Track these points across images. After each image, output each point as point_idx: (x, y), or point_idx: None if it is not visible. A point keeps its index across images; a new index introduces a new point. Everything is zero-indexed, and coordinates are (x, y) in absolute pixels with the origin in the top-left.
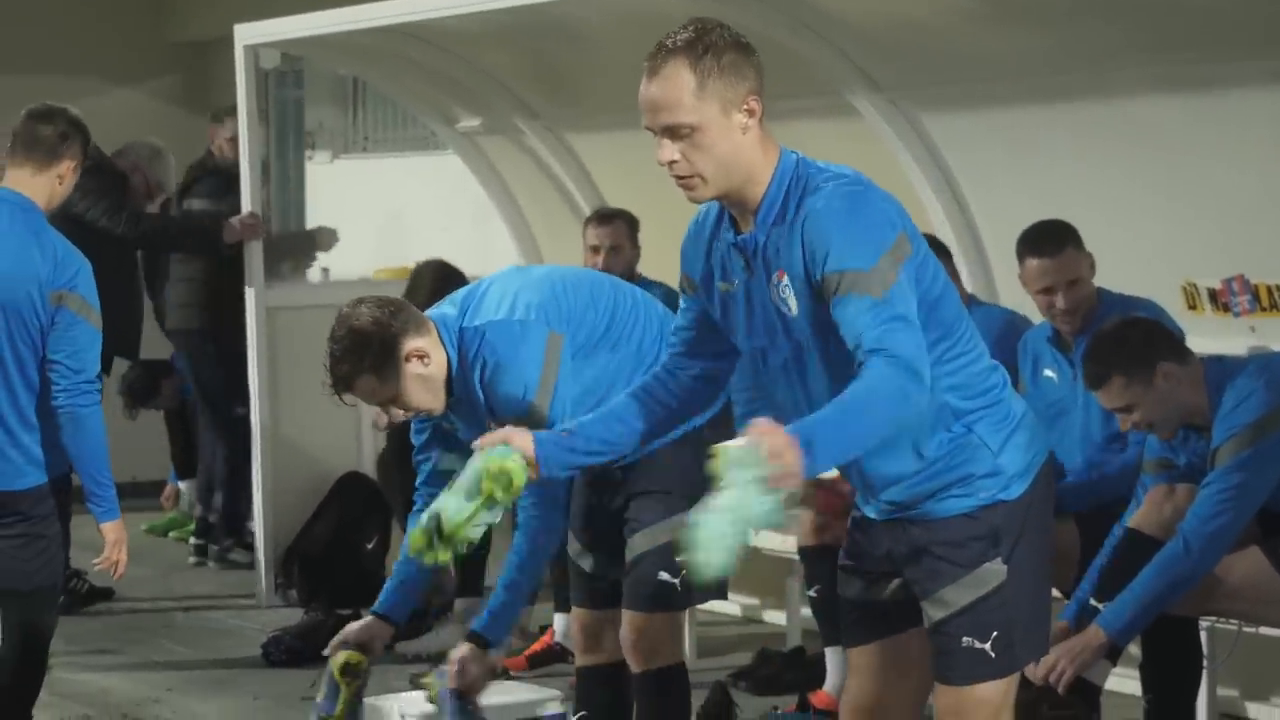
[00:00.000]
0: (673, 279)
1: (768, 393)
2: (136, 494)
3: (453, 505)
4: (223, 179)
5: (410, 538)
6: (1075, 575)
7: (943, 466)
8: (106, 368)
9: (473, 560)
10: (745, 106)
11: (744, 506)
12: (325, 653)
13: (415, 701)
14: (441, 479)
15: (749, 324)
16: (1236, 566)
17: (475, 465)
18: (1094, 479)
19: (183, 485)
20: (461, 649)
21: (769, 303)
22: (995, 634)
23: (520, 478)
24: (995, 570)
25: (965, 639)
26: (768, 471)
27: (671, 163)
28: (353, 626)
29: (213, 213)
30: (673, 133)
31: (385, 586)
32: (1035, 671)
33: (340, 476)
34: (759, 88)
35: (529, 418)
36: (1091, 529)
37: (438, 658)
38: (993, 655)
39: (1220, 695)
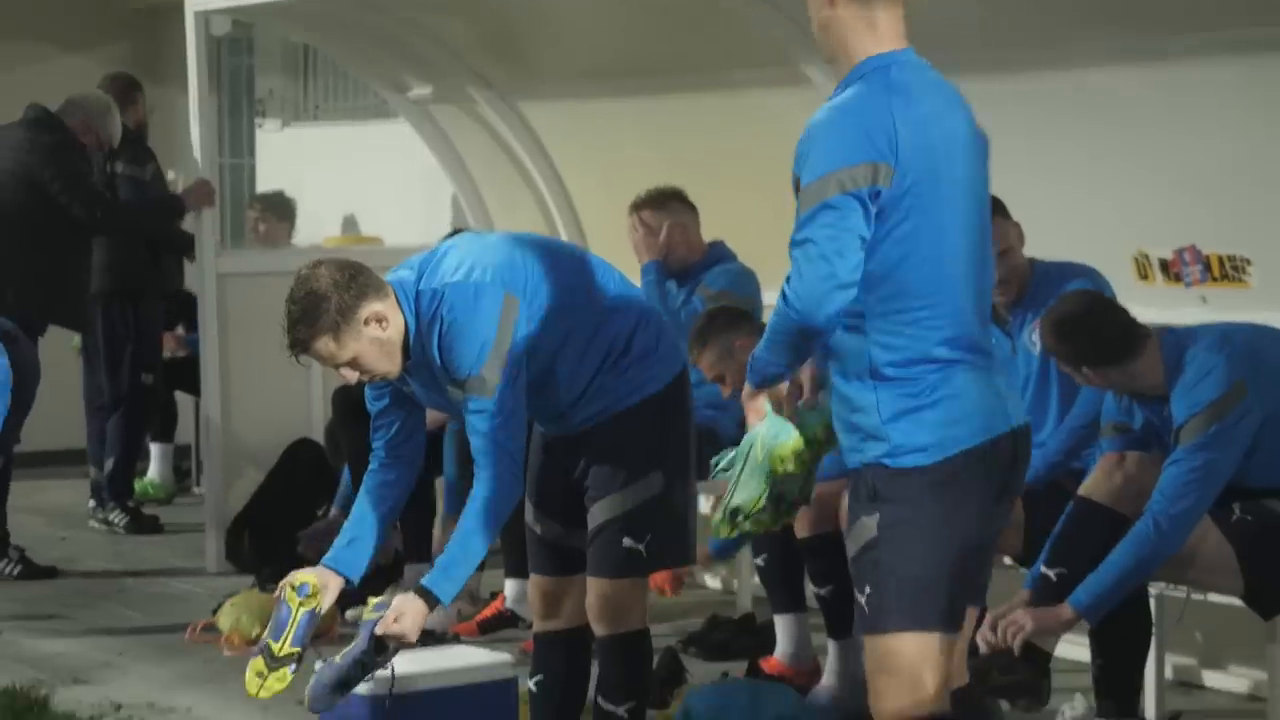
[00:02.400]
0: (623, 249)
1: None
2: (84, 461)
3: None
4: (140, 146)
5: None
6: (1021, 543)
7: (847, 407)
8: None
9: (420, 525)
10: None
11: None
12: (275, 594)
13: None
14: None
15: None
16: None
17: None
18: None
19: (155, 448)
20: (405, 597)
21: None
22: (868, 590)
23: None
24: (868, 526)
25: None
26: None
27: None
28: (304, 570)
29: (138, 180)
30: None
31: (334, 543)
32: (985, 633)
33: (291, 444)
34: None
35: (480, 381)
36: (1034, 498)
37: None
38: (866, 611)
39: (1176, 663)
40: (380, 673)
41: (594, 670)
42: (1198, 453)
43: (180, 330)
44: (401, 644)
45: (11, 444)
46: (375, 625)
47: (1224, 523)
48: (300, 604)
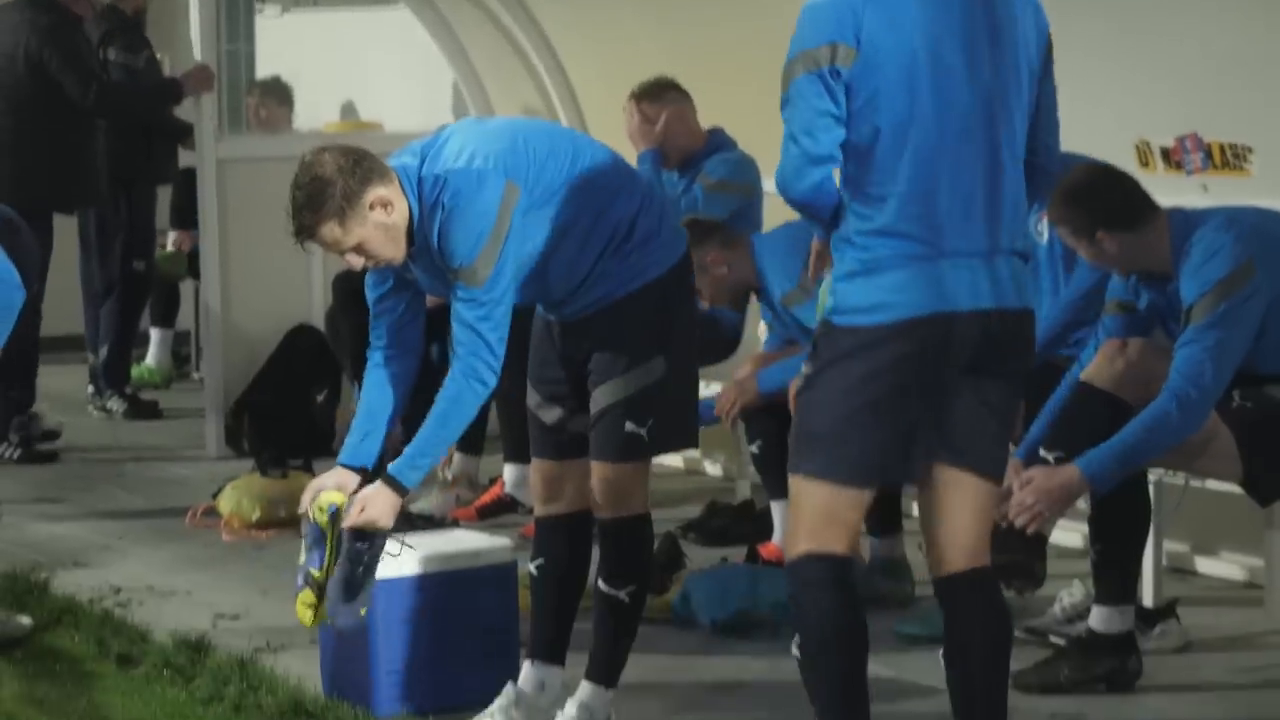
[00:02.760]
0: (624, 140)
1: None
2: (83, 346)
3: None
4: (137, 34)
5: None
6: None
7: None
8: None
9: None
10: None
11: None
12: (301, 509)
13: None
14: (404, 338)
15: None
16: None
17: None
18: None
19: (155, 333)
20: (369, 487)
21: None
22: (791, 430)
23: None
24: (803, 373)
25: None
26: None
27: None
28: (324, 476)
29: (130, 67)
30: None
31: (347, 441)
32: (1004, 509)
33: (290, 329)
34: None
35: (471, 271)
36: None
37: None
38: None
39: (1169, 550)
40: (390, 553)
41: (595, 555)
42: (1209, 331)
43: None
44: (380, 531)
45: (29, 340)
46: (338, 512)
47: (1224, 409)
48: (332, 527)
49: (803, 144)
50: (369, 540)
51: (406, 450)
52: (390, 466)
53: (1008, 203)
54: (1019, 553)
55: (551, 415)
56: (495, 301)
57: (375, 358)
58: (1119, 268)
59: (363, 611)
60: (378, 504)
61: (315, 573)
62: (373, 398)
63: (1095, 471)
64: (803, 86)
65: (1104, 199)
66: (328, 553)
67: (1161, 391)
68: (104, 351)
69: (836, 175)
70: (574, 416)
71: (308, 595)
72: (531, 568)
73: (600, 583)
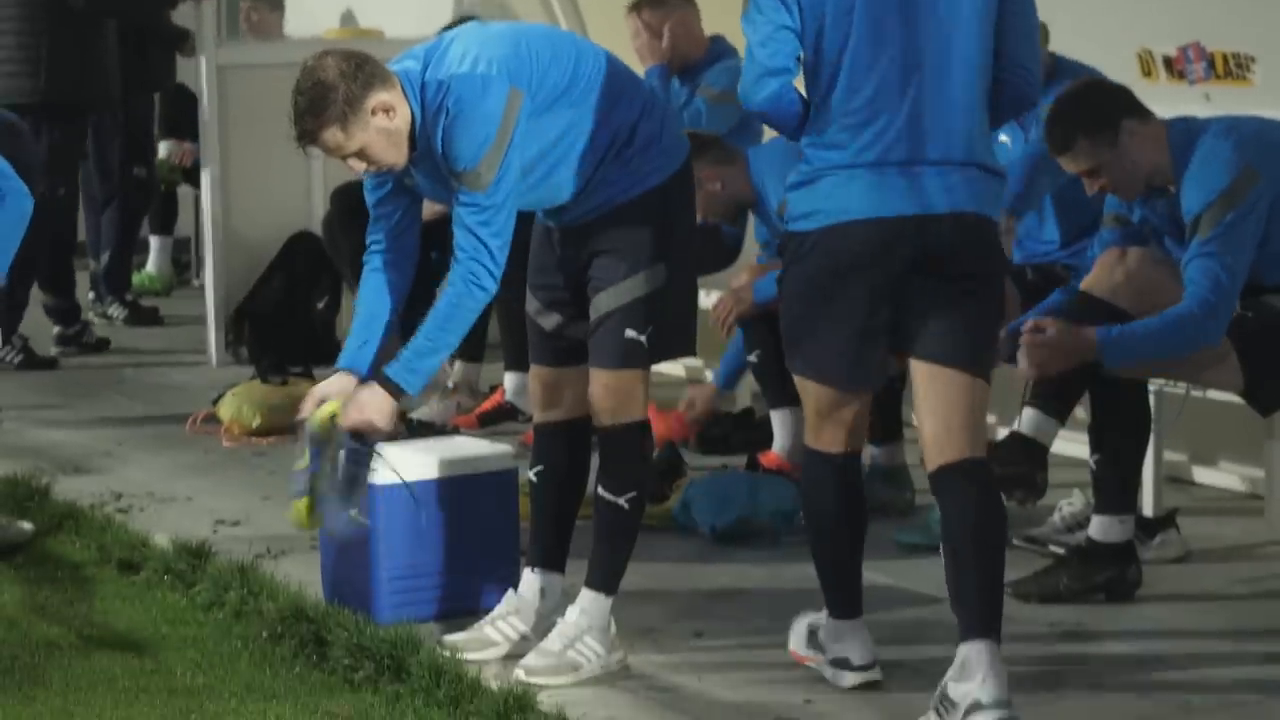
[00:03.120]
0: (628, 54)
1: None
2: (80, 253)
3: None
4: None
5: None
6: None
7: None
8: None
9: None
10: None
11: None
12: (301, 415)
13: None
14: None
15: None
16: None
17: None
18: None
19: (155, 240)
20: (363, 388)
21: None
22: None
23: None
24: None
25: None
26: None
27: None
28: (326, 382)
29: None
30: None
31: (346, 345)
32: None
33: (290, 236)
34: None
35: (475, 176)
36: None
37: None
38: None
39: (1169, 460)
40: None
41: (595, 463)
42: (1217, 240)
43: (190, 144)
44: (376, 434)
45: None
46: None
47: None
48: (332, 433)
49: (758, 56)
50: (366, 443)
51: (403, 352)
52: (387, 368)
53: (954, 114)
54: (1021, 463)
55: (550, 321)
56: (497, 207)
57: (373, 262)
58: (1120, 193)
59: (358, 518)
60: (374, 405)
61: (312, 480)
62: (370, 302)
63: (1111, 344)
64: (762, 1)
65: (1089, 104)
66: (325, 460)
67: (1183, 299)
68: (105, 258)
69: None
70: (573, 323)
71: (305, 501)
72: (530, 475)
73: (600, 490)
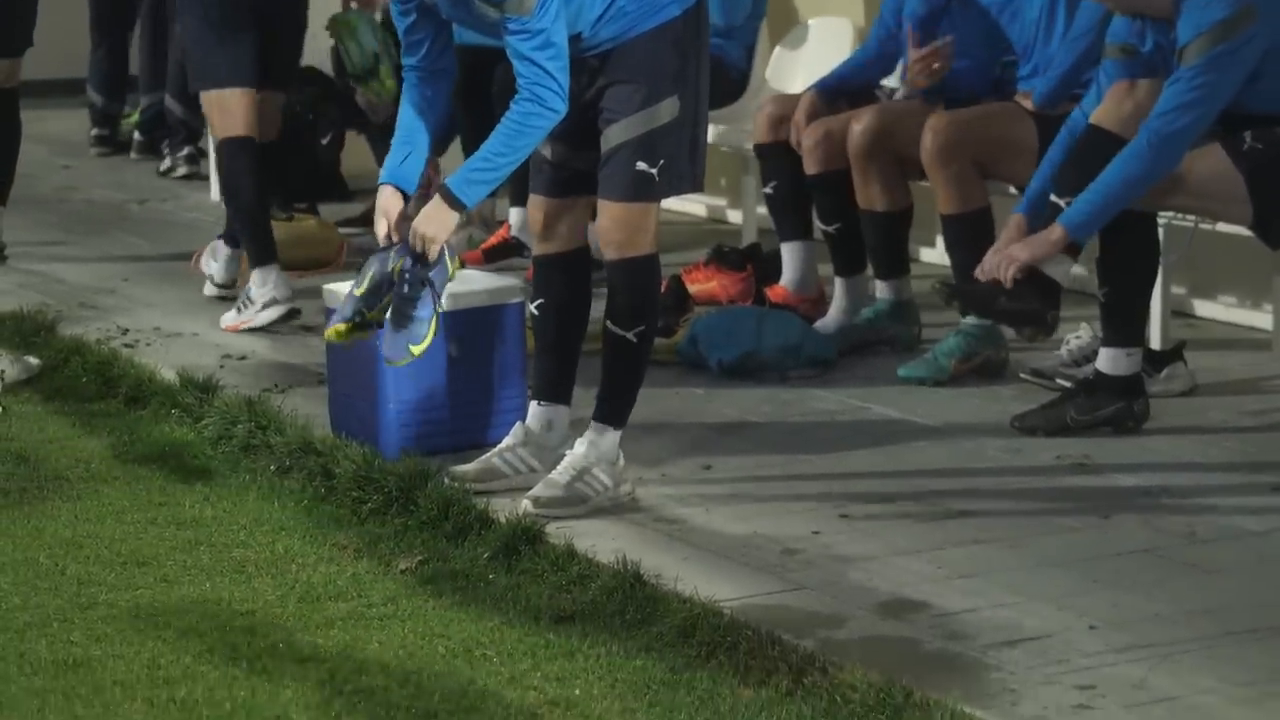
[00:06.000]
0: None
1: None
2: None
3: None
4: None
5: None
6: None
7: None
8: None
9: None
10: None
11: None
12: (380, 234)
13: None
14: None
15: None
16: (1197, 163)
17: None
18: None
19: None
20: (431, 202)
21: None
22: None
23: None
24: None
25: None
26: None
27: None
28: (382, 198)
29: None
30: None
31: (388, 160)
32: (982, 267)
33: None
34: None
35: (518, 1)
36: (1046, 123)
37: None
38: None
39: (1176, 294)
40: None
41: (601, 296)
42: (1199, 73)
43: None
44: (431, 250)
45: None
46: (400, 250)
47: (1235, 151)
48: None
49: None
50: (425, 263)
51: (465, 165)
52: (448, 180)
53: None
54: (1033, 300)
55: (555, 151)
56: (547, 30)
57: (410, 78)
58: (1118, 6)
59: (415, 349)
60: (435, 220)
61: (368, 313)
62: (409, 118)
63: (1074, 221)
64: None
65: None
66: (387, 296)
67: (1140, 129)
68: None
69: None
70: (577, 153)
71: (346, 325)
72: (532, 308)
73: (608, 323)
